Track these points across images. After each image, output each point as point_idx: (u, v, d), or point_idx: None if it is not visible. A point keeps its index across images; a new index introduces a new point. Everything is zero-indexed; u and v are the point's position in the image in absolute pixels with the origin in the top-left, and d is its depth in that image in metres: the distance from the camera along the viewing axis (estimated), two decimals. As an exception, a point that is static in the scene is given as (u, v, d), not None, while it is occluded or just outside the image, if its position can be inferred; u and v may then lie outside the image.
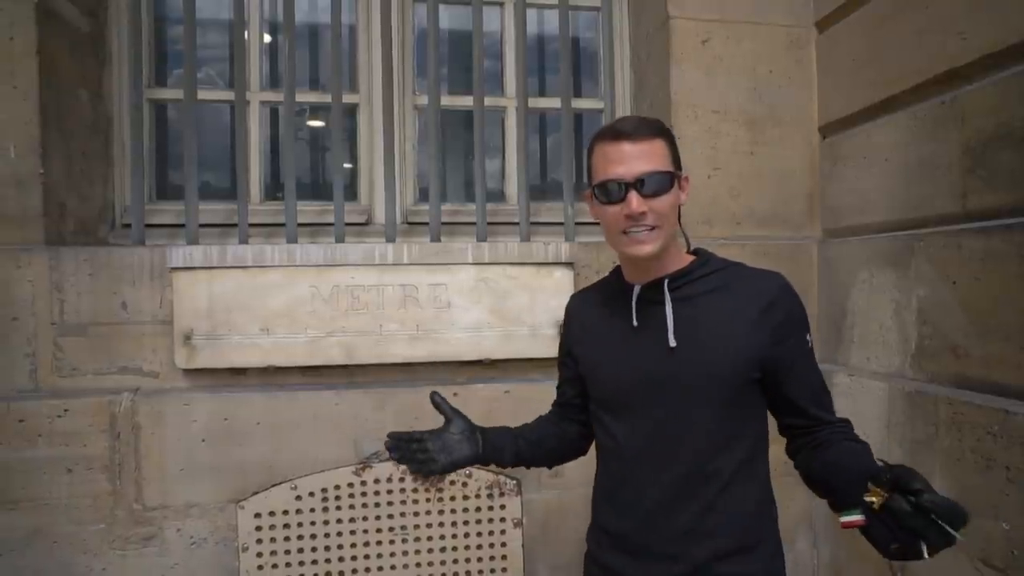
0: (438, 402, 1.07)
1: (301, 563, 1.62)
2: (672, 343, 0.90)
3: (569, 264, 1.78)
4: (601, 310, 1.02)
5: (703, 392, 0.90)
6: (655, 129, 0.91)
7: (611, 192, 0.88)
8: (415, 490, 1.68)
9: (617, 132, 0.89)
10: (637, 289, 0.95)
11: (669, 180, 0.89)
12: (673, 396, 0.91)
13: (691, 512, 0.90)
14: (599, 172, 0.91)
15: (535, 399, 1.79)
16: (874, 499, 0.74)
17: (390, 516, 1.67)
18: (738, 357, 0.89)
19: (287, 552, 1.62)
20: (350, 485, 1.65)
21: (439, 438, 1.03)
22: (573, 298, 1.12)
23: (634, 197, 0.86)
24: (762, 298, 0.91)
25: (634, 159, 0.88)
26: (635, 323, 0.94)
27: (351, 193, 2.01)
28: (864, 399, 1.65)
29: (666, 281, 0.93)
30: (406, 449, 1.01)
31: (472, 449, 1.03)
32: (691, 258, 0.98)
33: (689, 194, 0.97)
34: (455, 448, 1.02)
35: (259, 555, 1.61)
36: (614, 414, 0.98)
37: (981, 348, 1.33)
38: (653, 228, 0.88)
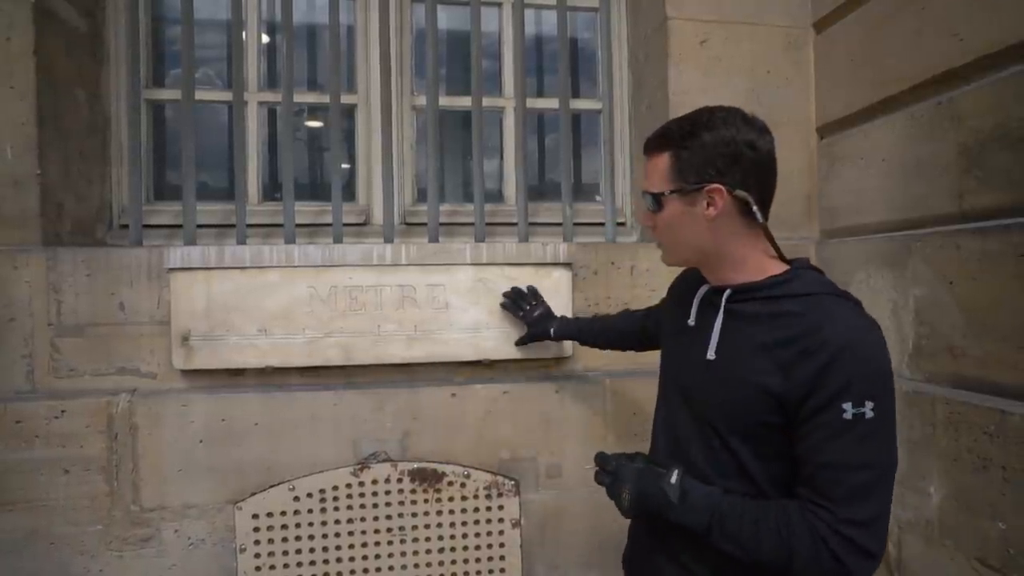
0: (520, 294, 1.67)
1: (299, 564, 1.62)
2: (711, 355, 0.87)
3: (567, 264, 1.78)
4: (685, 295, 1.00)
5: (715, 414, 0.86)
6: (665, 142, 0.88)
7: None
8: (413, 491, 1.68)
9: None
10: (703, 291, 0.94)
11: (656, 200, 0.89)
12: (694, 406, 0.91)
13: (689, 537, 0.87)
14: None
15: (534, 399, 1.80)
16: None
17: (388, 517, 1.66)
18: (755, 394, 0.81)
19: (285, 553, 1.62)
20: (348, 486, 1.65)
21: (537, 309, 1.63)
22: (685, 271, 1.08)
23: (645, 211, 0.93)
24: (810, 341, 0.77)
25: (645, 175, 0.93)
26: (691, 322, 0.94)
27: (349, 193, 2.01)
28: (862, 399, 1.65)
29: (727, 292, 0.88)
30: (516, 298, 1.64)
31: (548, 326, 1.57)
32: (778, 271, 0.87)
33: (724, 207, 0.84)
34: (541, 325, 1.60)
35: (257, 556, 1.61)
36: (659, 397, 1.03)
37: (978, 348, 1.34)
38: (661, 242, 0.94)
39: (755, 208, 0.84)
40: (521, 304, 1.66)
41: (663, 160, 0.88)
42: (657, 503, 0.84)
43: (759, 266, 0.87)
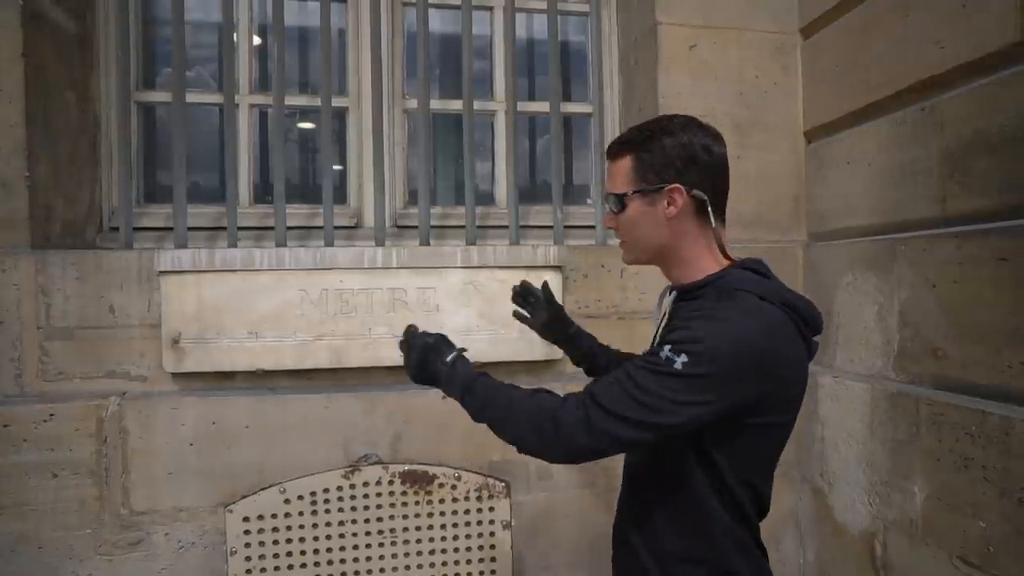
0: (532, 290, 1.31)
1: (290, 567, 1.62)
2: None
3: (558, 267, 1.79)
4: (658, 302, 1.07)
5: None
6: (627, 146, 0.93)
7: None
8: (404, 493, 1.68)
9: None
10: (669, 294, 1.01)
11: (619, 201, 0.93)
12: None
13: (634, 511, 0.97)
14: None
15: (524, 401, 1.81)
16: None
17: (379, 519, 1.67)
18: None
19: (276, 556, 1.62)
20: (339, 488, 1.65)
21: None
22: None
23: (608, 213, 0.97)
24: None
25: (608, 178, 0.98)
26: (657, 322, 1.02)
27: (340, 196, 2.01)
28: (848, 401, 1.68)
29: (674, 293, 0.96)
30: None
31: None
32: (717, 270, 0.91)
33: (683, 206, 0.89)
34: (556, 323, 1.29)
35: (248, 559, 1.61)
36: None
37: (959, 350, 1.36)
38: (623, 241, 0.98)
39: (709, 209, 0.90)
40: (528, 304, 1.32)
41: (625, 163, 0.93)
42: (431, 375, 0.96)
43: (704, 267, 0.92)
